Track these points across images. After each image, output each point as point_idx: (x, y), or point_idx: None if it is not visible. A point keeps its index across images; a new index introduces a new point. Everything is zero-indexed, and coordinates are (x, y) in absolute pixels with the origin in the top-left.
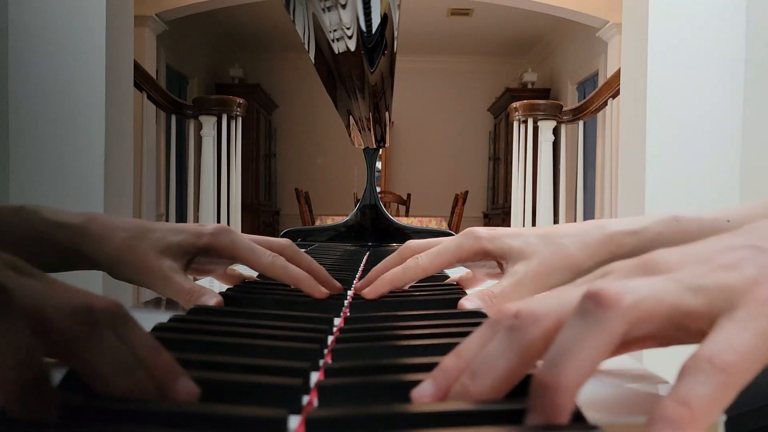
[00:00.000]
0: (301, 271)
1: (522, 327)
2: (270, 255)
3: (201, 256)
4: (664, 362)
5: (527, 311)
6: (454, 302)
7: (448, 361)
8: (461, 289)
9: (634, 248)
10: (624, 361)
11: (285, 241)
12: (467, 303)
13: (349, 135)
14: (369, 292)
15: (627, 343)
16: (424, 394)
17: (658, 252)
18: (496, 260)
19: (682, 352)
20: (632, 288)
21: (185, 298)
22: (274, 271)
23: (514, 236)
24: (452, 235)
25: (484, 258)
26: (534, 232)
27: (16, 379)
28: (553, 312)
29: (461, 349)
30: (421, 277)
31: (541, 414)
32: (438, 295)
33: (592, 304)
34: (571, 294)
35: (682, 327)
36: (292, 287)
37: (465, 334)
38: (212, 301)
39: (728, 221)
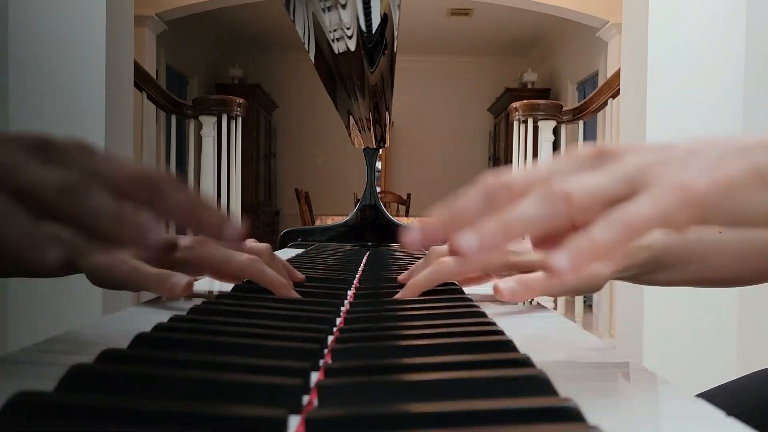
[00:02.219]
0: (276, 274)
1: (556, 207)
2: (247, 258)
3: (177, 268)
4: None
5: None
6: (455, 302)
7: (440, 215)
8: (460, 288)
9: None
10: (624, 362)
11: (263, 247)
12: (502, 285)
13: (349, 135)
14: (401, 297)
15: None
16: (412, 238)
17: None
18: (525, 272)
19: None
20: (578, 187)
21: (154, 283)
22: (251, 274)
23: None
24: None
25: (510, 270)
26: None
27: None
28: (584, 200)
29: (456, 206)
30: (447, 279)
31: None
32: (438, 295)
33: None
34: (542, 168)
35: None
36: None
37: (465, 334)
38: (183, 280)
39: (720, 232)
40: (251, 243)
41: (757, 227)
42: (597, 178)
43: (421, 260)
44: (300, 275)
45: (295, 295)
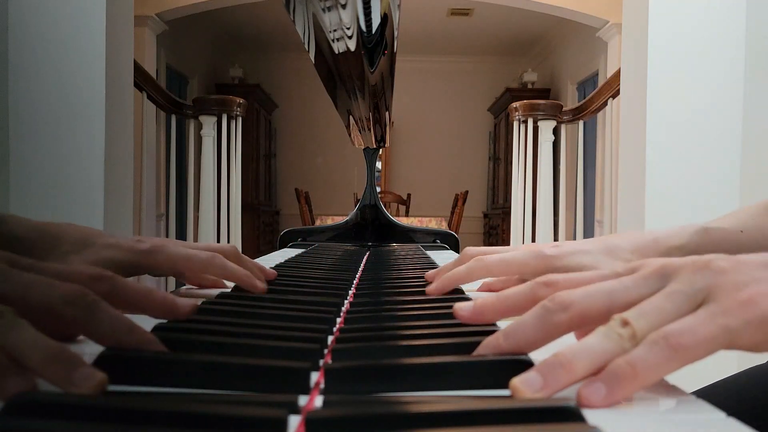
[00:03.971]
0: (239, 268)
1: (553, 310)
2: (206, 256)
3: (139, 271)
4: None
5: (559, 298)
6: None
7: (490, 298)
8: (460, 288)
9: None
10: None
11: (228, 247)
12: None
13: (349, 135)
14: (434, 290)
15: None
16: (463, 313)
17: (680, 260)
18: None
19: None
20: (642, 324)
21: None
22: (214, 272)
23: (582, 253)
24: (453, 235)
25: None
26: (596, 247)
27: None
28: (580, 302)
29: (506, 295)
30: (481, 278)
31: (540, 377)
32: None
33: (618, 336)
34: (602, 286)
35: None
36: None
37: (466, 334)
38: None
39: (741, 231)
40: (217, 245)
41: None
42: (661, 303)
43: (452, 261)
44: (272, 272)
45: (262, 287)
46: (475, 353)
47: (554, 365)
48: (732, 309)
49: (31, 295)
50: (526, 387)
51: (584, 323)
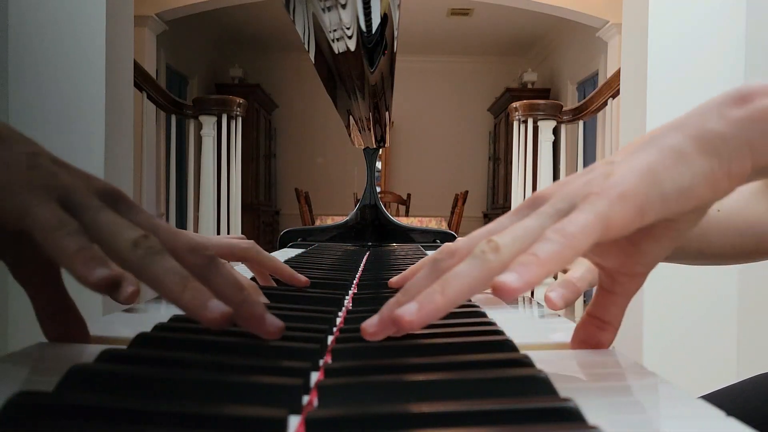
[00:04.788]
0: (241, 280)
1: (486, 258)
2: (249, 243)
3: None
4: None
5: (447, 248)
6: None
7: (395, 299)
8: None
9: None
10: (624, 362)
11: (246, 243)
12: (552, 294)
13: (349, 135)
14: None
15: None
16: (369, 326)
17: (547, 187)
18: None
19: (682, 352)
20: (507, 238)
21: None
22: (252, 256)
23: None
24: (453, 235)
25: None
26: None
27: None
28: (511, 246)
29: (408, 287)
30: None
31: (416, 303)
32: None
33: (481, 252)
34: (480, 233)
35: None
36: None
37: (466, 334)
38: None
39: (718, 210)
40: (235, 243)
41: (694, 202)
42: (525, 222)
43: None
44: (304, 279)
45: (305, 279)
46: (409, 303)
47: (429, 292)
48: (597, 196)
49: (104, 233)
50: (402, 313)
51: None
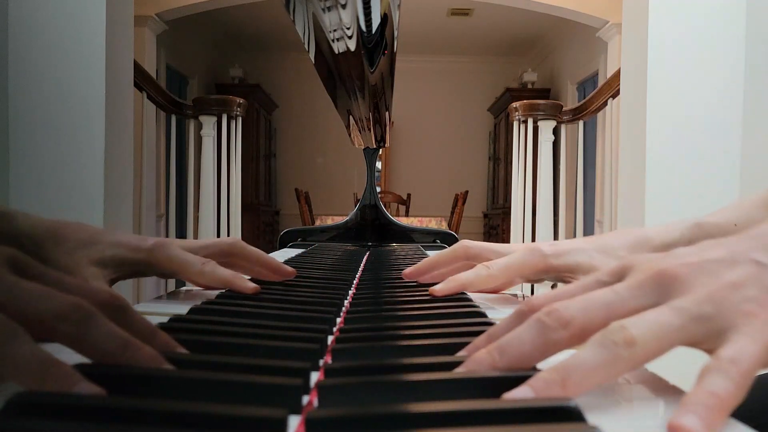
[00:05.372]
0: (229, 273)
1: (552, 326)
2: (199, 263)
3: (144, 269)
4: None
5: (557, 314)
6: (455, 302)
7: (480, 339)
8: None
9: None
10: None
11: (231, 240)
12: None
13: (349, 135)
14: (439, 291)
15: None
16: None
17: (672, 264)
18: (562, 276)
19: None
20: (643, 330)
21: None
22: (205, 279)
23: (578, 251)
24: (453, 235)
25: (546, 274)
26: (591, 245)
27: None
28: (580, 318)
29: (492, 331)
30: (486, 287)
31: (533, 394)
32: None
33: (612, 343)
34: (598, 298)
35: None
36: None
37: (466, 334)
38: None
39: (735, 225)
40: (220, 240)
41: None
42: (664, 315)
43: (448, 250)
44: (290, 270)
45: (252, 287)
46: (465, 366)
47: (547, 381)
48: (762, 328)
49: (24, 305)
50: None
51: (584, 339)
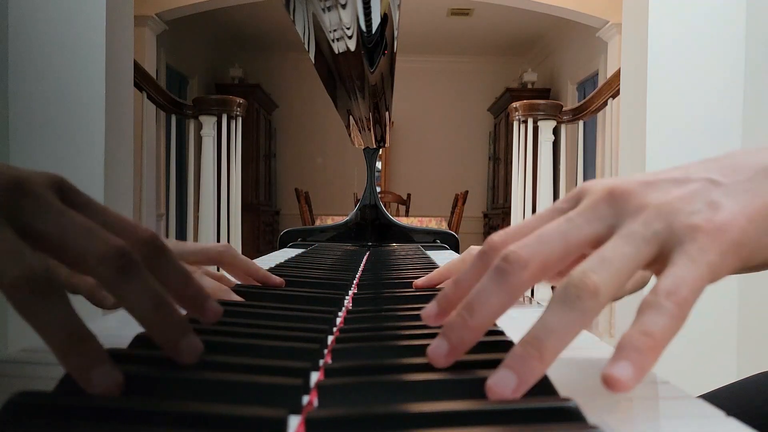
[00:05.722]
0: (214, 285)
1: (511, 271)
2: (221, 246)
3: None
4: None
5: (515, 256)
6: None
7: (448, 290)
8: None
9: None
10: None
11: (221, 247)
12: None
13: (349, 135)
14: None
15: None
16: (430, 314)
17: (625, 182)
18: None
19: (682, 353)
20: (603, 274)
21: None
22: (226, 261)
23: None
24: (453, 235)
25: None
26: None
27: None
28: (538, 255)
29: (459, 279)
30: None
31: (514, 375)
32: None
33: (577, 298)
34: (553, 230)
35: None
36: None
37: None
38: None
39: None
40: (208, 247)
41: None
42: (618, 246)
43: (456, 260)
44: (278, 280)
45: (279, 280)
46: (440, 336)
47: (524, 357)
48: (707, 238)
49: (70, 239)
50: (501, 388)
51: (545, 274)
